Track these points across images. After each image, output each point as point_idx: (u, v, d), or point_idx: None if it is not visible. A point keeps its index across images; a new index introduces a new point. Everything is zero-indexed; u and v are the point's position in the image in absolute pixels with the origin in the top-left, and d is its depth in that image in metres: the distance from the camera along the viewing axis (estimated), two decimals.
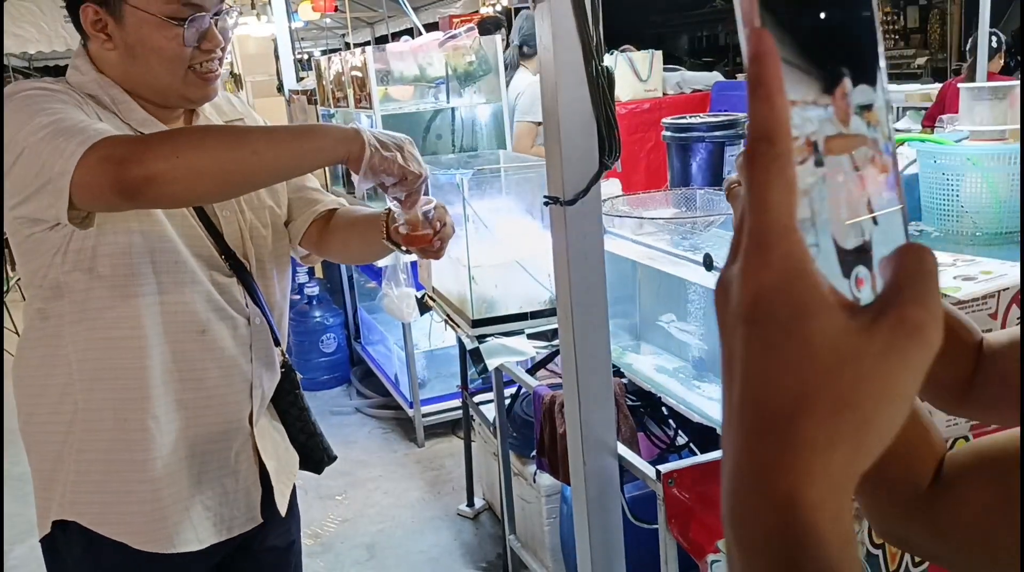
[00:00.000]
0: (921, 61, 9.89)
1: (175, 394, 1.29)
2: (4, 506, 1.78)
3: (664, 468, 1.54)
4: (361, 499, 3.20)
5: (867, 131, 0.37)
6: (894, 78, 7.81)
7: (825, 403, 0.32)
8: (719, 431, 0.42)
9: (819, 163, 0.36)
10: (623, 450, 1.66)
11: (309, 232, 1.45)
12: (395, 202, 1.24)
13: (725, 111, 4.31)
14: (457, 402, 3.60)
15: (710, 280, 1.81)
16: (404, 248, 1.31)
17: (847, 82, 0.37)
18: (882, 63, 0.38)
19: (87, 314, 1.25)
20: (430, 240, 1.26)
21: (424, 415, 3.57)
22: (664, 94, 4.30)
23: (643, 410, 2.07)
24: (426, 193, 1.25)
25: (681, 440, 2.10)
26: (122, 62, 1.24)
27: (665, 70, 4.37)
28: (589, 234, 1.51)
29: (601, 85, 1.73)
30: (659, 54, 4.26)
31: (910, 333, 0.32)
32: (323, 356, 4.25)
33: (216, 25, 1.24)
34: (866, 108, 0.37)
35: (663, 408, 2.04)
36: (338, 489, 3.20)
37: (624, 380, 2.02)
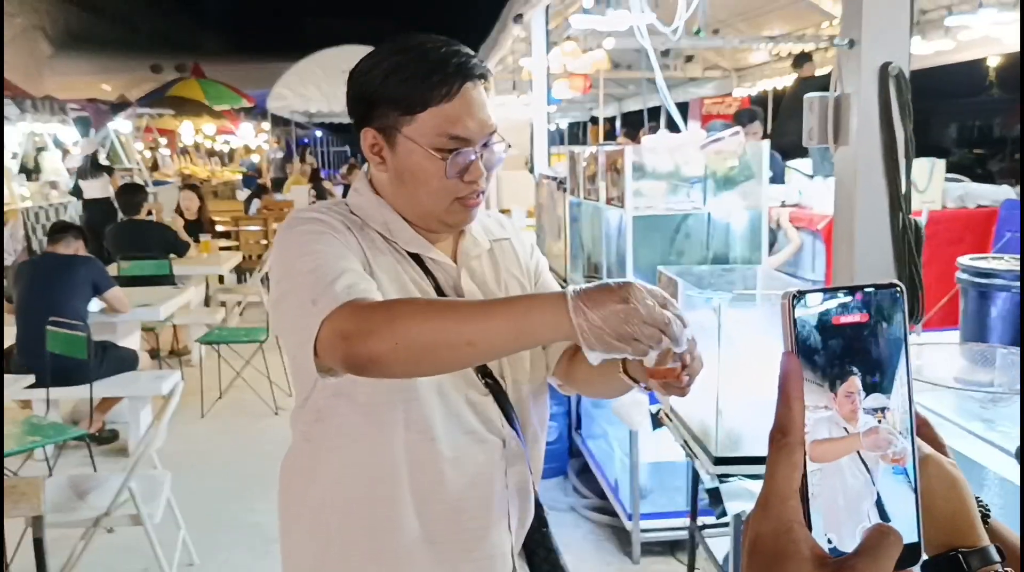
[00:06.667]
0: None
1: (428, 524, 1.26)
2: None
3: None
4: None
5: (877, 426, 0.49)
6: None
7: None
8: None
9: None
10: None
11: (561, 361, 1.38)
12: None
13: (1014, 232, 3.83)
14: (680, 521, 3.39)
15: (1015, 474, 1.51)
16: (643, 385, 1.16)
17: (856, 388, 0.49)
18: (901, 376, 0.49)
19: (344, 441, 1.26)
20: (677, 375, 1.07)
21: (643, 530, 3.38)
22: (943, 206, 3.90)
23: None
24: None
25: None
26: (392, 184, 1.27)
27: (947, 180, 3.97)
28: None
29: (908, 240, 1.52)
30: (941, 163, 3.87)
31: None
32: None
33: (482, 158, 1.23)
34: (880, 410, 0.49)
35: None
36: None
37: None
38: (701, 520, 2.77)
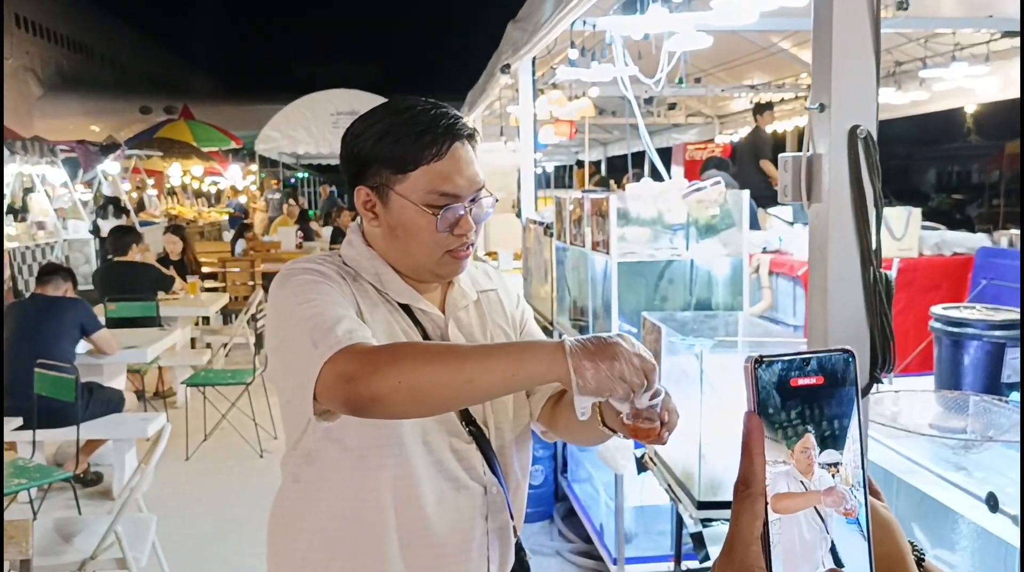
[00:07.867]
0: None
1: (412, 566, 1.29)
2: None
3: None
4: None
5: (831, 481, 0.53)
6: None
7: None
8: None
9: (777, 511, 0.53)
10: None
11: (545, 408, 1.42)
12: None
13: (990, 279, 3.92)
14: (665, 566, 3.40)
15: (992, 523, 1.57)
16: (621, 435, 1.19)
17: (811, 444, 0.53)
18: (853, 433, 0.54)
19: (333, 484, 1.29)
20: (658, 433, 1.12)
21: None
22: (920, 254, 3.98)
23: None
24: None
25: None
26: (384, 239, 1.32)
27: (924, 228, 4.06)
28: None
29: (878, 293, 1.58)
30: (917, 212, 3.97)
31: None
32: (530, 488, 4.18)
33: (471, 212, 1.28)
34: (833, 465, 0.53)
35: None
36: None
37: None
38: (685, 564, 2.79)
